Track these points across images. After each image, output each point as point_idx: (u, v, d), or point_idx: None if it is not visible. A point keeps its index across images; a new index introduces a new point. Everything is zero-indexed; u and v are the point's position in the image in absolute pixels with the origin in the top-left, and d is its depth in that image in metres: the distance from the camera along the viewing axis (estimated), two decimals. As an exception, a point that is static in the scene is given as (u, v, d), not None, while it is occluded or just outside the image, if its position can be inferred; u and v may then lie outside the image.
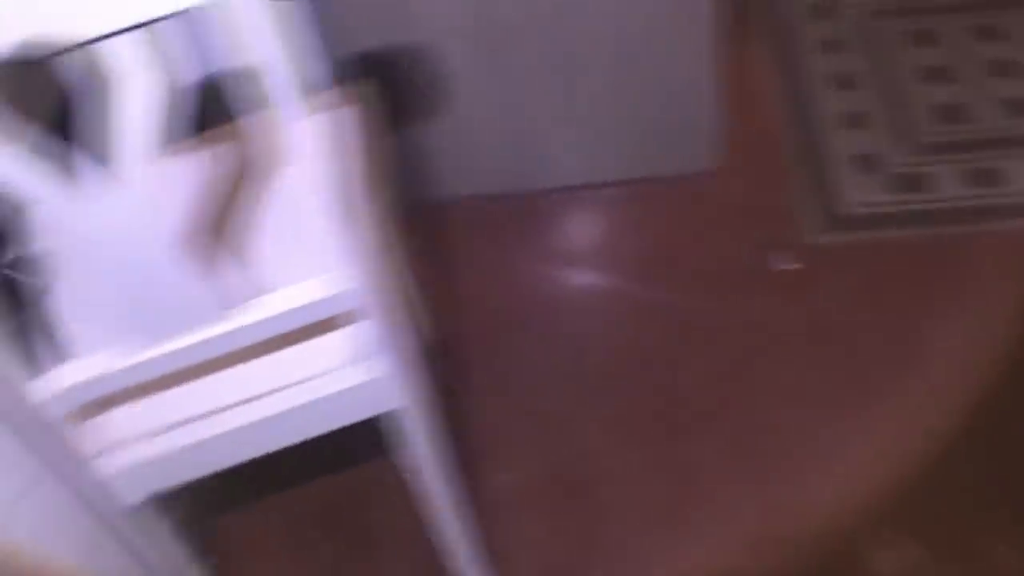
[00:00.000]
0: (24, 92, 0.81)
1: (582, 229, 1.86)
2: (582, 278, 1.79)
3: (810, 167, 1.87)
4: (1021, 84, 1.93)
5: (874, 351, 1.65)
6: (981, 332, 1.65)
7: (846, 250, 1.77)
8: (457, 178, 1.86)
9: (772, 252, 1.77)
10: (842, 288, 1.73)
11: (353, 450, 1.62)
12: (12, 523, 1.03)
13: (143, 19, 0.79)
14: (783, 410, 1.60)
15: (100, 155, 0.83)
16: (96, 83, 0.80)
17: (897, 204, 1.81)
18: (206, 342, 0.98)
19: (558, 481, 1.58)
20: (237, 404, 1.09)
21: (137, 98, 0.79)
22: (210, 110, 1.05)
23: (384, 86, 1.57)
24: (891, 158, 1.86)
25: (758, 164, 1.89)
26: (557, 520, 1.55)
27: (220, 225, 1.11)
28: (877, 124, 1.90)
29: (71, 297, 1.11)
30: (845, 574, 1.45)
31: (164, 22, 0.80)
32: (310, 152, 0.86)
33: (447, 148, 1.80)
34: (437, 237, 1.62)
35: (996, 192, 1.80)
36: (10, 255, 1.17)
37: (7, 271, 1.15)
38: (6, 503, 1.02)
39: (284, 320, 0.99)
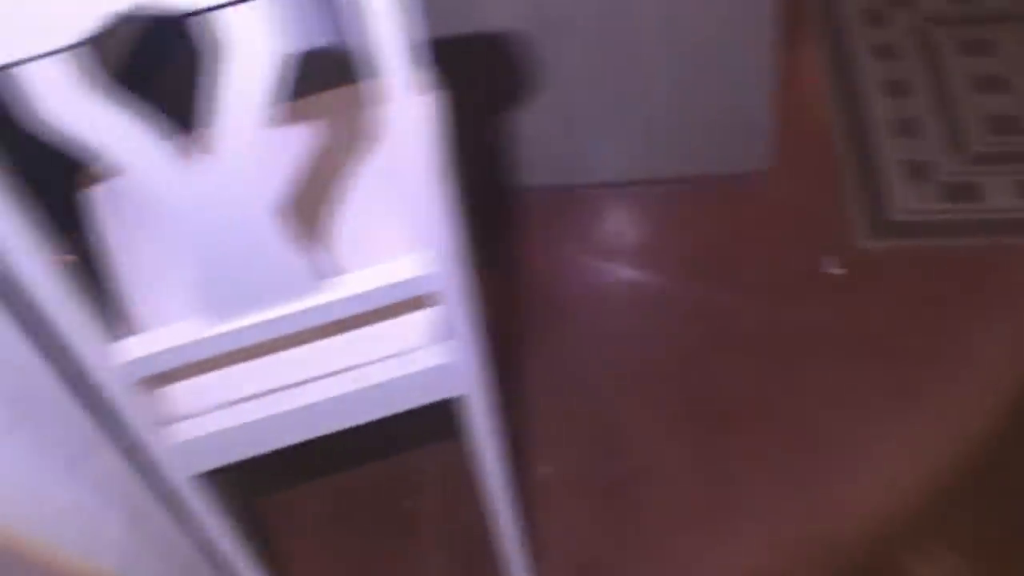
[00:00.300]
0: (131, 56, 0.79)
1: (631, 225, 1.85)
2: (629, 274, 1.78)
3: (861, 172, 1.86)
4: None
5: (918, 358, 1.64)
6: (1025, 343, 1.65)
7: (894, 256, 1.76)
8: (509, 169, 1.84)
9: (820, 255, 1.76)
10: (888, 294, 1.72)
11: (397, 437, 1.61)
12: (64, 489, 1.01)
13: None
14: (825, 414, 1.60)
15: (204, 121, 0.81)
16: (206, 49, 0.78)
17: (946, 213, 1.80)
18: (291, 316, 0.96)
19: (598, 476, 1.57)
20: (312, 381, 1.07)
21: (246, 66, 0.77)
22: (312, 81, 1.04)
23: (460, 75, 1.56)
24: (942, 166, 1.85)
25: (809, 167, 1.88)
26: (595, 515, 1.54)
27: (316, 197, 1.09)
28: (929, 132, 1.89)
29: (157, 265, 1.09)
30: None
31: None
32: (405, 130, 0.84)
33: (501, 139, 1.79)
34: (488, 228, 1.61)
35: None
36: (90, 221, 1.16)
37: (86, 236, 1.14)
38: (59, 469, 1.00)
39: (371, 298, 0.97)
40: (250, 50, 0.77)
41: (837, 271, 1.74)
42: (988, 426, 1.56)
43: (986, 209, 1.79)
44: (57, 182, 1.15)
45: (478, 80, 1.68)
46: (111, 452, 1.08)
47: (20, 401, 0.94)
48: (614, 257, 1.80)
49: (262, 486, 1.58)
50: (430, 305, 1.06)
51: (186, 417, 1.07)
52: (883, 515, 1.50)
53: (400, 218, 1.07)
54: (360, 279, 0.97)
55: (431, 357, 1.08)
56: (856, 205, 1.82)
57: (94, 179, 1.18)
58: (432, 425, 1.58)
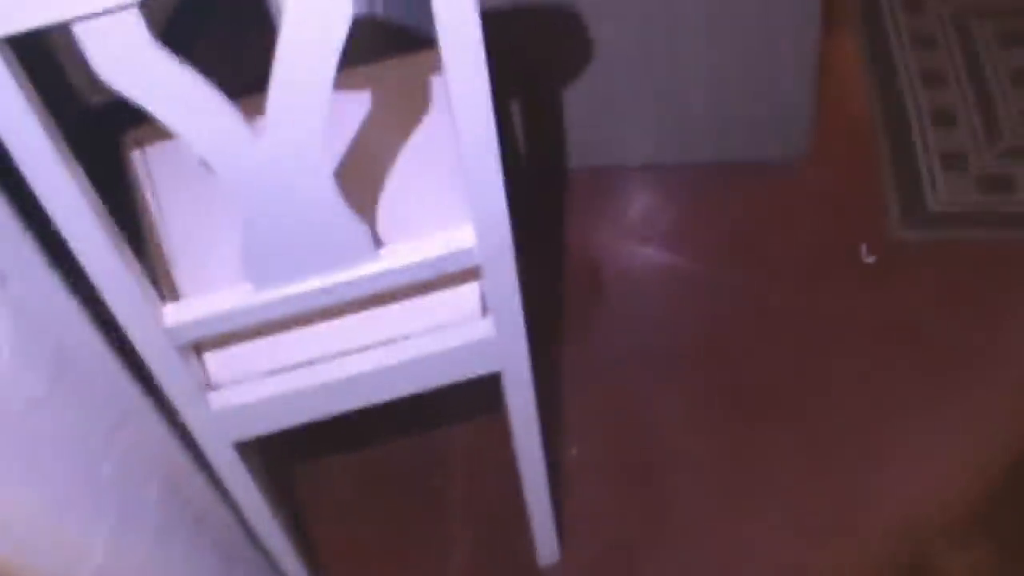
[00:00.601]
0: (194, 20, 0.79)
1: (666, 209, 1.84)
2: (663, 257, 1.78)
3: (898, 162, 1.85)
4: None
5: (952, 350, 1.63)
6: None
7: (928, 247, 1.75)
8: (542, 149, 1.83)
9: (854, 244, 1.75)
10: (922, 285, 1.71)
11: (428, 414, 1.61)
12: (104, 456, 1.01)
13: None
14: (856, 402, 1.59)
15: (266, 84, 0.81)
16: (271, 11, 0.78)
17: (984, 205, 1.78)
18: (339, 285, 0.96)
19: (627, 457, 1.57)
20: (356, 352, 1.07)
21: (311, 30, 0.77)
22: (370, 46, 1.03)
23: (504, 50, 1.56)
24: (980, 158, 1.83)
25: (845, 156, 1.87)
26: (624, 496, 1.54)
27: (368, 166, 1.09)
28: (967, 123, 1.88)
29: (205, 229, 1.09)
30: (913, 571, 1.44)
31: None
32: (457, 101, 0.83)
33: (535, 119, 1.78)
34: (525, 208, 1.60)
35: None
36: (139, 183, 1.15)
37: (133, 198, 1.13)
38: (100, 434, 1.00)
39: (422, 268, 0.97)
40: (319, 11, 0.76)
41: (871, 260, 1.73)
42: (1020, 419, 1.55)
43: (1021, 202, 1.78)
44: (106, 144, 1.15)
45: (520, 56, 1.67)
46: (152, 418, 1.08)
47: (62, 365, 0.93)
48: (648, 240, 1.80)
49: (293, 459, 1.58)
50: (476, 278, 1.06)
51: (228, 385, 1.07)
52: (913, 503, 1.49)
53: (452, 189, 1.06)
54: (411, 249, 0.96)
55: (475, 331, 1.07)
56: (891, 195, 1.81)
57: (142, 141, 1.18)
58: (463, 402, 1.59)
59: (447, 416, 1.61)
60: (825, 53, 1.76)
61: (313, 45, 0.77)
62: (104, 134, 1.15)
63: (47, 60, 0.90)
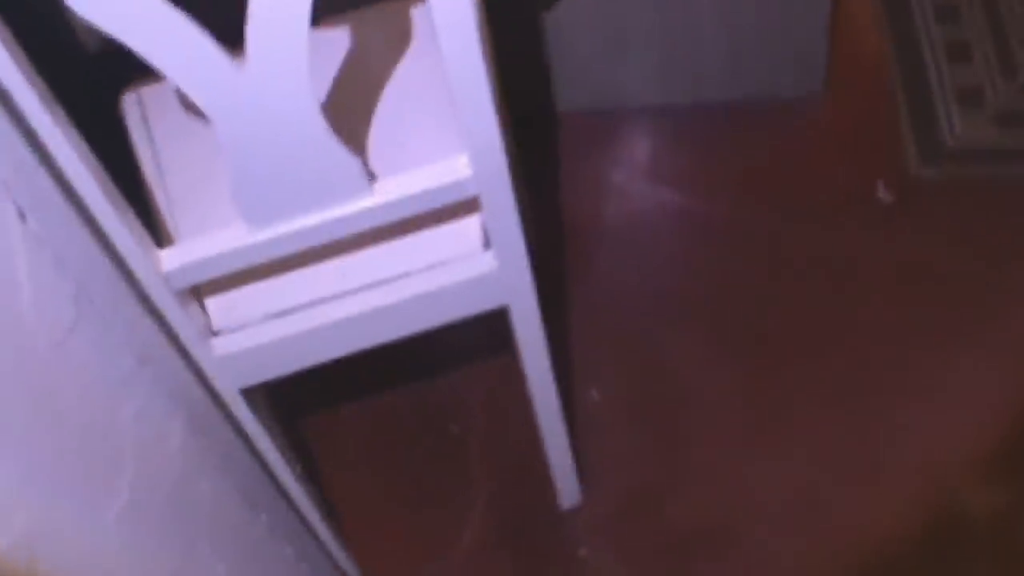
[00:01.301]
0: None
1: (677, 149, 1.83)
2: (675, 199, 1.77)
3: (913, 98, 1.83)
4: None
5: (972, 287, 1.62)
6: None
7: (947, 184, 1.73)
8: (551, 91, 1.83)
9: (871, 182, 1.74)
10: (942, 222, 1.69)
11: (443, 359, 1.63)
12: (129, 396, 1.03)
13: None
14: (876, 339, 1.58)
15: (252, 23, 0.82)
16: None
17: (1001, 140, 1.76)
18: (336, 220, 0.97)
19: (646, 401, 1.58)
20: (358, 291, 1.08)
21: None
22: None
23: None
24: (996, 94, 1.81)
25: (860, 93, 1.85)
26: (643, 439, 1.54)
27: (360, 100, 1.10)
28: (983, 58, 1.85)
29: (202, 172, 1.10)
30: (935, 511, 1.43)
31: None
32: (447, 33, 0.84)
33: (541, 61, 1.78)
34: (530, 150, 1.61)
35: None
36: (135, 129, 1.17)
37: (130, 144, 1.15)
38: (124, 376, 1.02)
39: (417, 200, 0.98)
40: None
41: (887, 198, 1.72)
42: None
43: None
44: (102, 89, 1.16)
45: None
46: (171, 357, 1.09)
47: (83, 305, 0.95)
48: (660, 182, 1.79)
49: (308, 407, 1.60)
50: (476, 211, 1.07)
51: (231, 330, 1.08)
52: (936, 442, 1.48)
53: (445, 120, 1.07)
54: (406, 181, 0.97)
55: (478, 265, 1.08)
56: (907, 132, 1.79)
57: (141, 90, 1.19)
58: (480, 345, 1.60)
59: (463, 360, 1.62)
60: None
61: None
62: (105, 83, 1.17)
63: (49, 7, 0.92)
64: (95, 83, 1.14)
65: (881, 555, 1.40)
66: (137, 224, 0.95)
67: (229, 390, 1.12)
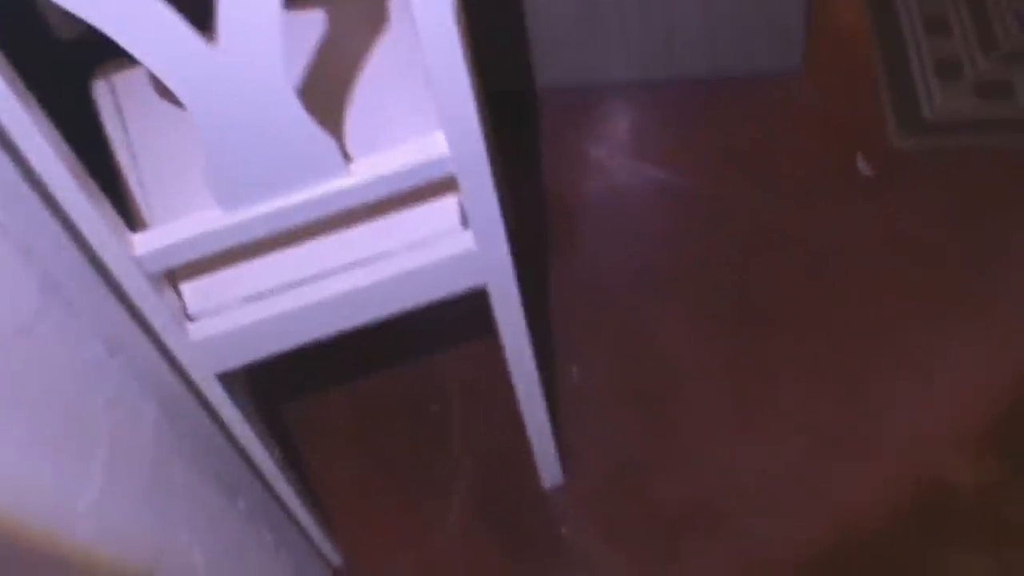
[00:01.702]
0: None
1: (658, 126, 1.82)
2: (656, 175, 1.76)
3: (892, 71, 1.82)
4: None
5: (955, 260, 1.61)
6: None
7: (928, 156, 1.73)
8: (530, 68, 1.82)
9: (853, 155, 1.73)
10: (923, 195, 1.69)
11: (424, 340, 1.61)
12: (100, 382, 1.01)
13: None
14: (861, 317, 1.57)
15: (223, 3, 0.80)
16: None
17: (980, 112, 1.76)
18: (311, 201, 0.96)
19: (630, 379, 1.57)
20: (338, 271, 1.07)
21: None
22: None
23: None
24: (975, 65, 1.81)
25: (839, 66, 1.84)
26: (629, 417, 1.53)
27: (334, 80, 1.08)
28: (960, 30, 1.85)
29: (176, 153, 1.09)
30: (923, 486, 1.43)
31: None
32: (421, 12, 0.82)
33: (520, 37, 1.76)
34: (508, 127, 1.59)
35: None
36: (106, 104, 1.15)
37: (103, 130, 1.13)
38: (95, 362, 1.00)
39: (393, 179, 0.96)
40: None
41: (869, 172, 1.71)
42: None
43: (1017, 107, 1.75)
44: (73, 74, 1.14)
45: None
46: (143, 345, 1.08)
47: (48, 292, 0.93)
48: (640, 158, 1.78)
49: (288, 392, 1.58)
50: (453, 191, 1.05)
51: (209, 313, 1.07)
52: (922, 417, 1.48)
53: (421, 100, 1.05)
54: (382, 160, 0.96)
55: (456, 244, 1.07)
56: (887, 105, 1.78)
57: (113, 74, 1.17)
58: (460, 326, 1.58)
59: (444, 341, 1.61)
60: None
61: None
62: (77, 68, 1.15)
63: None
64: (66, 68, 1.11)
65: (868, 532, 1.40)
66: (110, 209, 0.93)
67: (205, 375, 1.10)
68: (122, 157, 1.12)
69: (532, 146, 1.79)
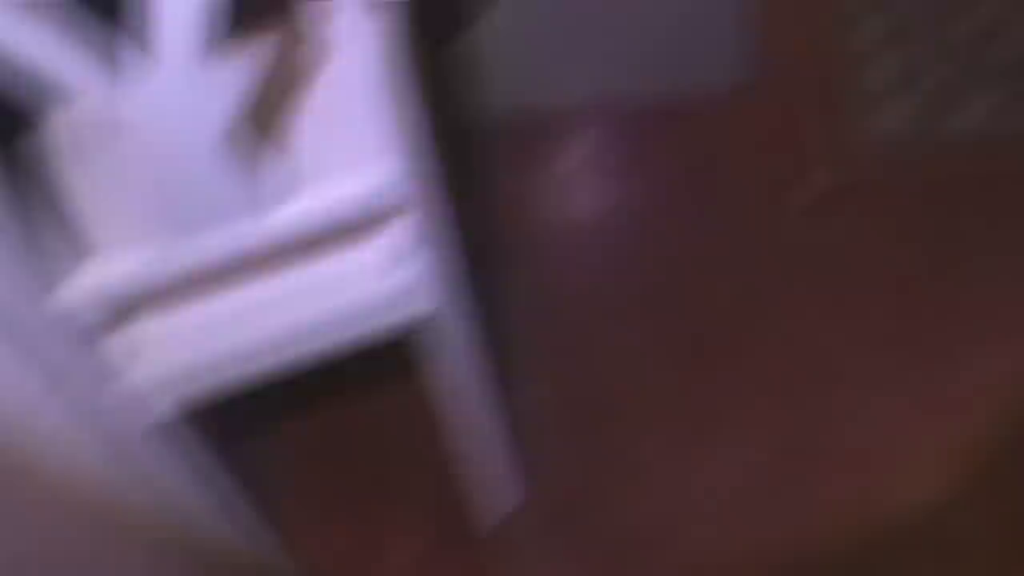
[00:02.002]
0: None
1: (611, 146, 1.82)
2: (610, 195, 1.76)
3: (847, 86, 1.83)
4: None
5: (906, 277, 1.62)
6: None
7: (880, 171, 1.73)
8: (470, 94, 1.81)
9: (805, 172, 1.73)
10: (876, 210, 1.69)
11: (372, 371, 1.60)
12: (47, 411, 0.99)
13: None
14: (809, 335, 1.58)
15: (144, 39, 0.80)
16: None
17: (934, 126, 1.76)
18: (242, 236, 0.95)
19: (581, 401, 1.57)
20: (271, 309, 1.05)
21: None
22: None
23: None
24: (931, 80, 1.81)
25: (792, 82, 1.84)
26: (581, 443, 1.53)
27: (263, 117, 1.07)
28: (918, 44, 1.85)
29: (94, 191, 1.07)
30: (872, 504, 1.43)
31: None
32: (356, 45, 0.83)
33: (470, 63, 1.76)
34: (453, 155, 1.59)
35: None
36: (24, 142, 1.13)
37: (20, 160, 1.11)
38: (43, 388, 0.98)
39: (325, 215, 0.96)
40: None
41: (821, 187, 1.72)
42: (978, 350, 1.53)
43: (961, 129, 1.75)
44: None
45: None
46: (81, 385, 1.06)
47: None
48: (593, 179, 1.78)
49: (238, 427, 1.56)
50: (393, 221, 1.05)
51: (140, 356, 1.04)
52: (873, 434, 1.48)
53: (356, 134, 1.05)
54: (312, 196, 0.95)
55: (403, 274, 1.06)
56: (840, 120, 1.79)
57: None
58: (412, 355, 1.58)
59: (397, 369, 1.60)
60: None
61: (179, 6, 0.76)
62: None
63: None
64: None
65: (818, 552, 1.41)
66: (33, 256, 0.91)
67: (140, 418, 1.08)
68: (44, 199, 1.10)
69: (485, 169, 1.79)
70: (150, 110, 0.84)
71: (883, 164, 1.75)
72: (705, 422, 1.53)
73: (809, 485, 1.46)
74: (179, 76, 0.82)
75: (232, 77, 1.08)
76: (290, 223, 0.95)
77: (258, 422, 1.58)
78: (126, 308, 1.02)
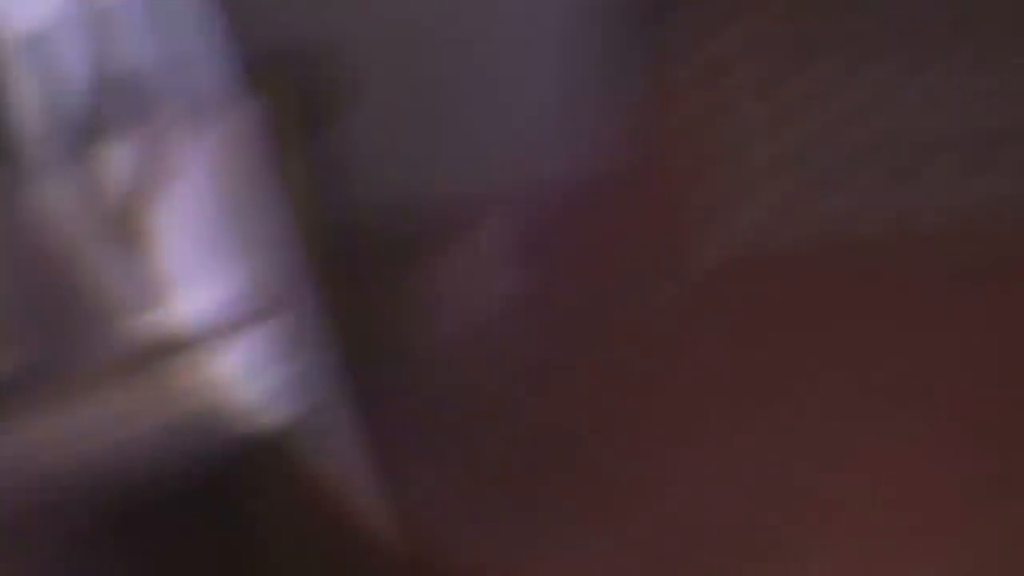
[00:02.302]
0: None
1: (504, 232, 1.83)
2: (506, 281, 1.76)
3: (723, 169, 1.85)
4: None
5: (794, 358, 1.62)
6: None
7: (756, 259, 1.75)
8: (341, 199, 1.80)
9: (683, 258, 1.75)
10: (758, 293, 1.70)
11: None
12: None
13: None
14: (704, 419, 1.57)
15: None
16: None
17: (809, 211, 1.78)
18: (100, 345, 0.93)
19: (472, 501, 1.54)
20: (114, 421, 1.02)
21: (31, 99, 0.75)
22: (108, 114, 1.00)
23: (292, 87, 1.54)
24: (806, 165, 1.84)
25: (669, 165, 1.87)
26: (467, 537, 1.50)
27: (119, 230, 1.06)
28: (791, 130, 1.88)
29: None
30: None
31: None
32: (212, 157, 0.82)
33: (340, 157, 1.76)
34: (325, 265, 1.57)
35: (919, 193, 1.78)
36: None
37: None
38: None
39: (178, 327, 0.94)
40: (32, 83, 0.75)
41: (704, 273, 1.73)
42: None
43: (860, 203, 1.78)
44: None
45: (328, 91, 1.65)
46: None
47: None
48: (488, 267, 1.79)
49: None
50: (270, 325, 1.03)
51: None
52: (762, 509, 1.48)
53: (207, 250, 1.04)
54: (164, 310, 0.93)
55: (266, 380, 1.04)
56: (721, 203, 1.80)
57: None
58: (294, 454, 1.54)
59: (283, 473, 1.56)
60: (649, 59, 1.77)
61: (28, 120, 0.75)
62: None
63: None
64: None
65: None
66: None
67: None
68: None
69: (367, 269, 1.77)
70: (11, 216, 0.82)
71: (758, 247, 1.76)
72: (591, 512, 1.50)
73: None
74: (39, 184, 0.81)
75: (93, 185, 1.07)
76: (142, 333, 0.93)
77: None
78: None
